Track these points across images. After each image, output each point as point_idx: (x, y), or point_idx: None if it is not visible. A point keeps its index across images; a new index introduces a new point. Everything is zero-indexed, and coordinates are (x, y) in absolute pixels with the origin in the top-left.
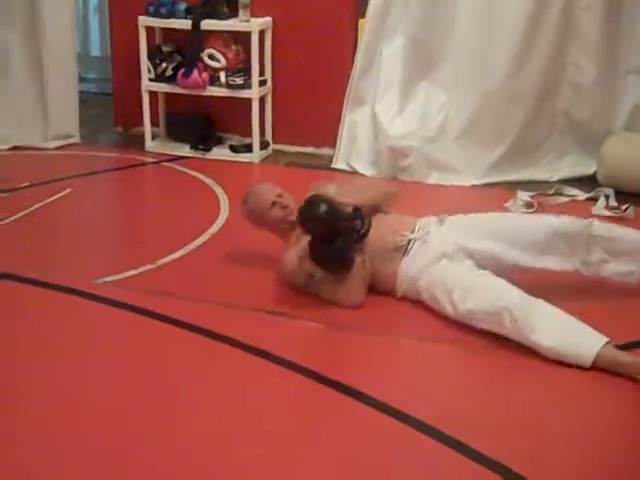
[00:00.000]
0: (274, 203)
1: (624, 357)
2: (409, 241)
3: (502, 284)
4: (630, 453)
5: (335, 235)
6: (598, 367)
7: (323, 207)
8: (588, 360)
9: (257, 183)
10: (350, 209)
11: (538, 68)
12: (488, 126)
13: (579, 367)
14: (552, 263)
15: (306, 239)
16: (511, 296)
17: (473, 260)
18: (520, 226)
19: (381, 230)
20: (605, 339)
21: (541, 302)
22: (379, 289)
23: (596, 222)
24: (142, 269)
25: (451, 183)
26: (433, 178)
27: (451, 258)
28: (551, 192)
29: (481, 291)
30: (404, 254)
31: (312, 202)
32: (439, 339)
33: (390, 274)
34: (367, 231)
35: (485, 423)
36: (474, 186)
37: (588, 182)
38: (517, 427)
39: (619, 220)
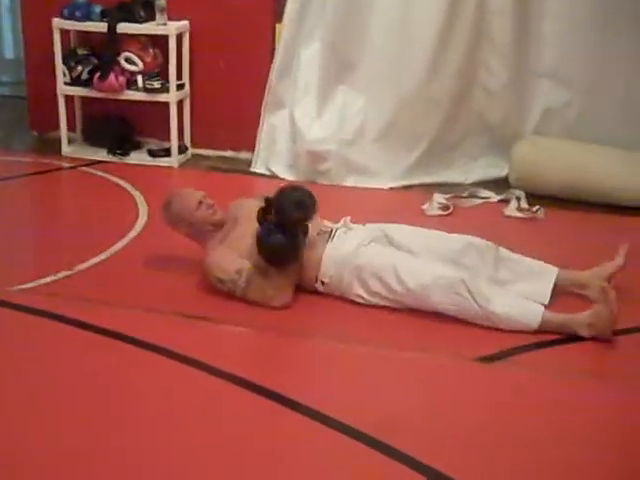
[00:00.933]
0: (200, 203)
1: (561, 317)
2: (331, 230)
3: (443, 266)
4: (557, 448)
5: (299, 227)
6: (541, 330)
7: (310, 198)
8: (535, 324)
9: (178, 188)
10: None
11: (452, 71)
12: (405, 129)
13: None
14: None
15: (242, 235)
16: (459, 272)
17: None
18: (440, 235)
19: None
20: (542, 307)
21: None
22: (301, 280)
23: (501, 248)
24: (59, 275)
25: (369, 186)
26: (351, 181)
27: (377, 242)
28: (465, 194)
29: (429, 267)
30: (328, 240)
31: (302, 190)
32: (366, 340)
33: (313, 260)
34: (306, 233)
35: (414, 425)
36: (392, 189)
37: (501, 184)
38: (445, 428)
39: (530, 221)
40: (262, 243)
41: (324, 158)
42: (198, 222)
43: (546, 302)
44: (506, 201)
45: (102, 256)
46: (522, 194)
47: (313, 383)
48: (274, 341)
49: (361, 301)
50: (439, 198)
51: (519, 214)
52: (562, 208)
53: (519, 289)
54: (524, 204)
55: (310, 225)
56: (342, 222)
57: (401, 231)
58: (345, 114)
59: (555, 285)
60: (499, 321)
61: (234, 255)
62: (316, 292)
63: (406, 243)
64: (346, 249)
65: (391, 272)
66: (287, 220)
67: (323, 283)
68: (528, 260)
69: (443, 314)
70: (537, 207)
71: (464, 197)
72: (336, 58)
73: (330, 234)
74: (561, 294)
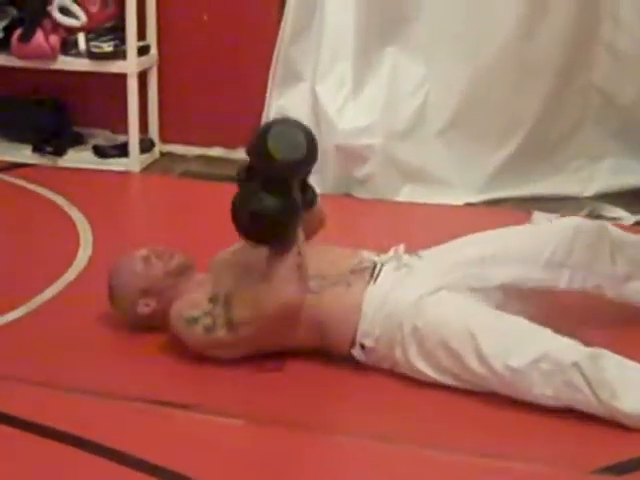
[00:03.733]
0: (147, 258)
1: None
2: (374, 265)
3: (543, 329)
4: None
5: (292, 182)
6: None
7: (306, 134)
8: None
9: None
10: None
11: (560, 25)
12: (487, 115)
13: None
14: (576, 279)
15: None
16: (569, 347)
17: (477, 295)
18: (527, 237)
19: (320, 259)
20: None
21: (604, 352)
22: (327, 342)
23: (610, 225)
24: None
25: (433, 201)
26: (406, 194)
27: (450, 290)
28: (583, 213)
29: (526, 337)
30: (370, 281)
31: (292, 124)
32: (426, 439)
33: (346, 310)
34: (315, 198)
35: None
36: (469, 205)
37: (639, 198)
38: None
39: None
40: (238, 211)
41: (364, 158)
42: (156, 283)
43: None
44: None
45: (22, 310)
46: None
47: None
48: (281, 439)
49: (419, 376)
50: (541, 219)
51: None
52: None
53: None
54: None
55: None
56: (392, 253)
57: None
58: (396, 91)
59: None
60: (629, 421)
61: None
62: (350, 361)
63: (499, 274)
64: (402, 297)
65: (468, 344)
66: (272, 171)
67: (363, 347)
68: None
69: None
70: None
71: (582, 216)
72: (381, 6)
73: (373, 272)
74: None
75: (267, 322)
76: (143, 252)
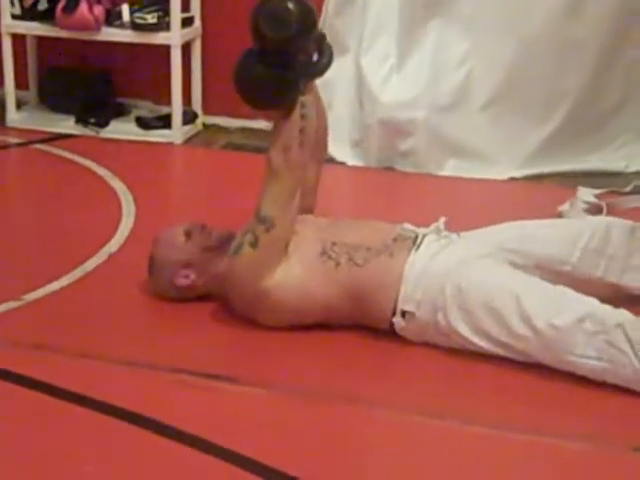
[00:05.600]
0: (188, 233)
1: None
2: (416, 236)
3: (587, 297)
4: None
5: (292, 52)
6: None
7: (298, 4)
8: None
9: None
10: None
11: (606, 1)
12: (531, 89)
13: None
14: (612, 269)
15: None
16: (614, 311)
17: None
18: (564, 226)
19: (363, 230)
20: None
21: None
22: (370, 313)
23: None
24: (1, 308)
25: (477, 176)
26: (450, 168)
27: (492, 258)
28: (628, 189)
29: (573, 300)
30: (412, 248)
31: None
32: (463, 412)
33: (388, 278)
34: (328, 64)
35: None
36: (512, 179)
37: None
38: None
39: None
40: (235, 78)
41: (408, 132)
42: (197, 257)
43: None
44: None
45: (64, 281)
46: None
47: None
48: (316, 410)
49: (460, 344)
50: (586, 195)
51: None
52: None
53: None
54: None
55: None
56: (434, 226)
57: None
58: (440, 65)
59: None
60: None
61: None
62: (390, 334)
63: (535, 252)
64: (444, 261)
65: (512, 304)
66: (265, 46)
67: (404, 315)
68: None
69: (579, 373)
70: None
71: (626, 193)
72: None
73: (415, 241)
74: None
75: (288, 192)
76: (185, 226)
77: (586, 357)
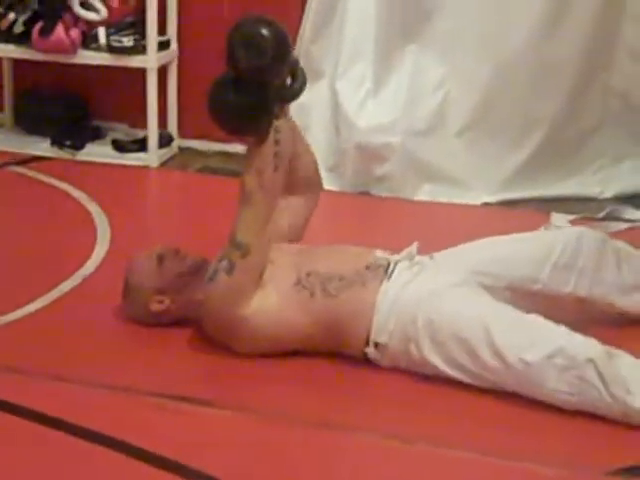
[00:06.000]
0: (161, 258)
1: None
2: (387, 263)
3: (558, 326)
4: None
5: (267, 79)
6: None
7: (272, 32)
8: None
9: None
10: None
11: (581, 25)
12: (508, 113)
13: None
14: (582, 284)
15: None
16: (585, 344)
17: (487, 293)
18: (535, 241)
19: (336, 258)
20: None
21: (619, 351)
22: (342, 343)
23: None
24: None
25: (452, 200)
26: (425, 193)
27: (462, 286)
28: (602, 215)
29: (542, 330)
30: (384, 278)
31: (261, 21)
32: (435, 437)
33: (360, 307)
34: (304, 86)
35: None
36: (486, 205)
37: None
38: None
39: None
40: (208, 103)
41: (383, 157)
42: (171, 282)
43: None
44: None
45: (39, 303)
46: None
47: None
48: (289, 434)
49: (434, 373)
50: (560, 220)
51: None
52: None
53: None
54: None
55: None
56: (405, 252)
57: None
58: (416, 89)
59: None
60: (637, 420)
61: None
62: (364, 362)
63: (509, 273)
64: (415, 291)
65: (482, 336)
66: (237, 69)
67: (377, 345)
68: None
69: (552, 403)
70: None
71: (599, 219)
72: (403, 3)
73: (387, 269)
74: None
75: (263, 217)
76: (158, 250)
77: (558, 391)
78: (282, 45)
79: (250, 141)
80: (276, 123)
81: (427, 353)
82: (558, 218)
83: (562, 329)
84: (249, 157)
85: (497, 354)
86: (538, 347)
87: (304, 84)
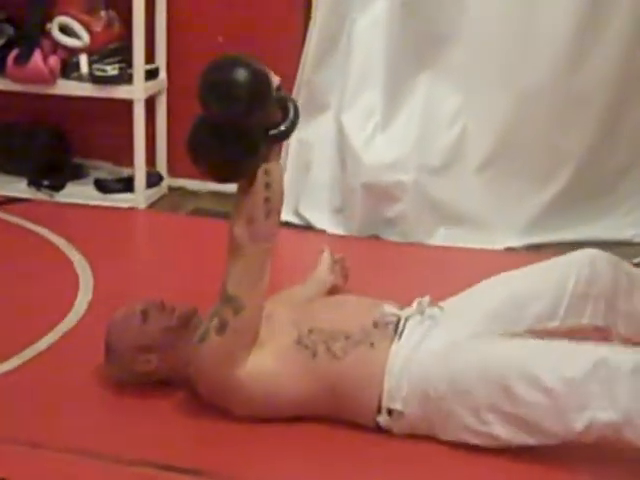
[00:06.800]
0: (145, 313)
1: None
2: (397, 320)
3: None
4: None
5: (244, 125)
6: None
7: (246, 72)
8: None
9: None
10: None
11: (611, 54)
12: (531, 149)
13: None
14: (599, 312)
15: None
16: (628, 354)
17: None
18: (548, 271)
19: (340, 313)
20: None
21: None
22: (350, 411)
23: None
24: None
25: (471, 245)
26: (440, 237)
27: (479, 337)
28: (638, 260)
29: (573, 352)
30: (394, 337)
31: (235, 61)
32: None
33: (369, 371)
34: (295, 125)
35: None
36: (509, 250)
37: None
38: None
39: None
40: (186, 145)
41: (394, 197)
42: (157, 339)
43: None
44: None
45: (13, 362)
46: None
47: None
48: None
49: (457, 436)
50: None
51: None
52: None
53: None
54: None
55: (295, 110)
56: (415, 305)
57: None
58: (430, 122)
59: None
60: None
61: None
62: (376, 431)
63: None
64: (428, 349)
65: (512, 369)
66: (212, 116)
67: (391, 413)
68: None
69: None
70: None
71: (634, 264)
72: (414, 28)
73: (397, 326)
74: None
75: (257, 269)
76: (141, 306)
77: (603, 409)
78: (259, 88)
79: (238, 186)
80: (266, 166)
81: (451, 407)
82: None
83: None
84: (237, 205)
85: (533, 382)
86: (578, 361)
87: (296, 122)
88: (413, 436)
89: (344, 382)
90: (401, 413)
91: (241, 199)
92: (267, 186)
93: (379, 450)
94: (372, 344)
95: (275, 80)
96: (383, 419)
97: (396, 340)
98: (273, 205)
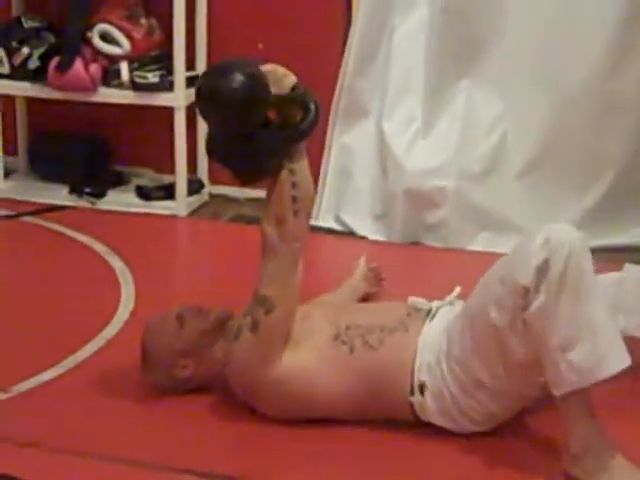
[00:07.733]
0: (181, 318)
1: None
2: (430, 309)
3: None
4: None
5: (250, 127)
6: None
7: (241, 77)
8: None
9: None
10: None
11: None
12: (571, 154)
13: None
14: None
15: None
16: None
17: None
18: None
19: (373, 311)
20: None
21: None
22: (382, 393)
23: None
24: None
25: None
26: (481, 242)
27: None
28: None
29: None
30: (426, 319)
31: (221, 69)
32: None
33: (400, 356)
34: (313, 123)
35: None
36: None
37: None
38: None
39: None
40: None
41: (435, 203)
42: (194, 344)
43: None
44: None
45: (56, 370)
46: None
47: None
48: None
49: (473, 403)
50: (635, 271)
51: None
52: None
53: None
54: None
55: (315, 107)
56: (448, 298)
57: None
58: (470, 128)
59: None
60: None
61: None
62: (404, 429)
63: None
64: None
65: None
66: (207, 122)
67: (422, 389)
68: None
69: None
70: None
71: None
72: (455, 35)
73: (429, 313)
74: None
75: (287, 268)
76: (178, 310)
77: None
78: (250, 93)
79: (266, 188)
80: (291, 165)
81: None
82: (631, 270)
83: None
84: (266, 205)
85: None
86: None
87: (315, 120)
88: (423, 436)
89: (380, 370)
90: (431, 389)
91: (269, 200)
92: (293, 185)
93: (403, 453)
94: (407, 329)
95: (291, 79)
96: (415, 399)
97: (428, 322)
98: (301, 204)
